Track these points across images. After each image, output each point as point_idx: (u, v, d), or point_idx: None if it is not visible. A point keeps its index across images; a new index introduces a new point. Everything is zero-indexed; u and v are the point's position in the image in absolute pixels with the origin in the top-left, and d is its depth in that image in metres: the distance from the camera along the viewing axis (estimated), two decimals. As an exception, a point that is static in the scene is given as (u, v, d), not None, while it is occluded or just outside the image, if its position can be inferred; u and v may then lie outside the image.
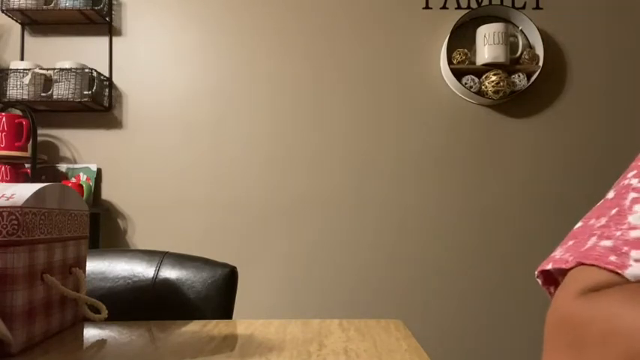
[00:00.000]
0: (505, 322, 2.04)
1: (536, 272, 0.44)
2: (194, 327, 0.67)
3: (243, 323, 0.70)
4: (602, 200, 0.44)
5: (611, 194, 0.43)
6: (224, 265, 0.91)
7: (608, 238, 0.37)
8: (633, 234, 0.36)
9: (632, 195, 0.39)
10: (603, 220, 0.40)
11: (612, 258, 0.36)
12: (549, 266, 0.41)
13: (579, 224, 0.43)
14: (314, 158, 2.08)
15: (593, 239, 0.39)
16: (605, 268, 0.36)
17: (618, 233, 0.37)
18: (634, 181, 0.40)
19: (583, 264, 0.38)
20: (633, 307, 0.31)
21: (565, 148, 2.08)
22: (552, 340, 0.36)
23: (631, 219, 0.38)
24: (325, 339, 0.61)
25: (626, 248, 0.36)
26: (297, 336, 0.62)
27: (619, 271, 0.35)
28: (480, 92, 2.01)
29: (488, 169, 2.08)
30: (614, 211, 0.40)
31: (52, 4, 1.98)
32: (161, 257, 0.91)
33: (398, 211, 2.07)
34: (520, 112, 2.09)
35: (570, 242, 0.41)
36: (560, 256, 0.41)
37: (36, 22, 2.09)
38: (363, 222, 2.07)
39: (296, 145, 2.09)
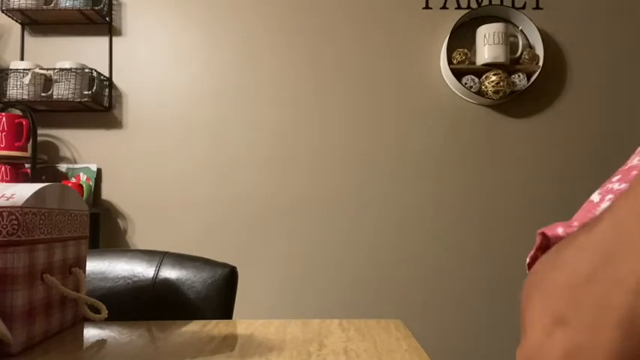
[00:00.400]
0: (505, 322, 2.04)
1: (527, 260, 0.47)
2: (194, 327, 0.67)
3: (243, 323, 0.70)
4: (587, 202, 0.45)
5: (596, 197, 0.44)
6: (224, 265, 0.91)
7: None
8: (590, 216, 0.38)
9: (609, 197, 0.41)
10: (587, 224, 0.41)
11: (559, 230, 0.38)
12: (528, 260, 0.43)
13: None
14: (314, 158, 2.08)
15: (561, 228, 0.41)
16: (550, 235, 0.38)
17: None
18: (615, 185, 0.42)
19: (539, 244, 0.39)
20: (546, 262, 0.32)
21: (565, 148, 2.08)
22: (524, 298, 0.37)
23: (598, 211, 0.39)
24: (325, 339, 0.61)
25: (575, 223, 0.37)
26: (297, 336, 0.62)
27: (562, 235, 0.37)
28: (479, 92, 2.01)
29: (488, 169, 2.08)
30: (590, 216, 0.41)
31: (52, 4, 1.98)
32: (161, 257, 0.92)
33: (398, 210, 2.07)
34: (520, 112, 2.09)
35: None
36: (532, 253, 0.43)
37: (36, 22, 2.09)
38: (363, 222, 2.07)
39: (296, 145, 2.09)
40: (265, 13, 2.11)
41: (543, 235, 0.45)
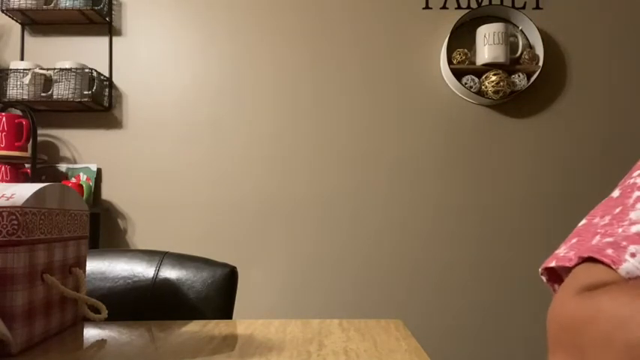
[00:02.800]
0: (505, 322, 2.04)
1: (540, 269, 0.45)
2: (194, 327, 0.67)
3: (243, 323, 0.70)
4: (607, 198, 0.44)
5: (616, 193, 0.43)
6: (224, 265, 0.91)
7: (610, 235, 0.38)
8: (634, 229, 0.36)
9: (637, 193, 0.39)
10: (607, 219, 0.40)
11: (609, 251, 0.36)
12: (553, 264, 0.41)
13: (583, 221, 0.43)
14: (314, 158, 2.08)
15: (597, 238, 0.39)
16: (601, 262, 0.36)
17: (620, 230, 0.37)
18: (639, 180, 0.40)
19: (583, 259, 0.38)
20: (625, 303, 0.31)
21: (565, 148, 2.08)
22: (553, 339, 0.37)
23: (632, 215, 0.38)
24: (325, 339, 0.61)
25: (624, 243, 0.36)
26: (297, 336, 0.62)
27: (614, 267, 0.35)
28: (480, 92, 2.01)
29: (488, 169, 2.08)
30: (617, 210, 0.40)
31: (52, 4, 1.98)
32: (161, 257, 0.91)
33: (398, 210, 2.07)
34: (520, 112, 2.09)
35: (574, 240, 0.41)
36: (563, 254, 0.41)
37: (36, 22, 2.09)
38: (364, 222, 2.07)
39: (296, 145, 2.09)
40: (265, 14, 2.11)
41: (547, 269, 0.44)
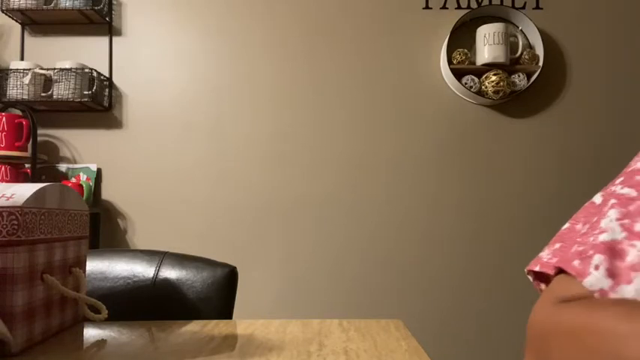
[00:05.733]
0: (505, 322, 2.04)
1: (525, 270, 0.47)
2: (194, 327, 0.67)
3: (243, 323, 0.70)
4: (589, 203, 0.45)
5: (598, 199, 0.44)
6: (224, 265, 0.90)
7: (583, 244, 0.40)
8: (601, 237, 0.38)
9: (612, 201, 0.41)
10: (586, 228, 0.42)
11: (576, 263, 0.38)
12: (537, 268, 0.44)
13: (566, 225, 0.45)
14: (314, 158, 2.08)
15: (574, 247, 0.41)
16: (569, 273, 0.39)
17: (591, 239, 0.39)
18: (618, 188, 0.42)
19: (559, 269, 0.41)
20: (580, 317, 0.35)
21: (565, 148, 2.08)
22: (528, 343, 0.41)
23: (602, 223, 0.39)
24: (325, 339, 0.61)
25: (591, 252, 0.38)
26: (297, 336, 0.62)
27: (579, 280, 0.37)
28: (480, 92, 2.01)
29: (488, 169, 2.08)
30: (595, 219, 0.41)
31: (52, 4, 1.98)
32: (161, 257, 0.91)
33: (398, 210, 2.07)
34: (520, 112, 2.09)
35: (557, 245, 0.44)
36: (546, 260, 0.43)
37: (36, 22, 2.09)
38: (364, 222, 2.07)
39: (296, 145, 2.09)
40: (265, 14, 2.11)
41: (532, 271, 0.46)
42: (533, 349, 0.39)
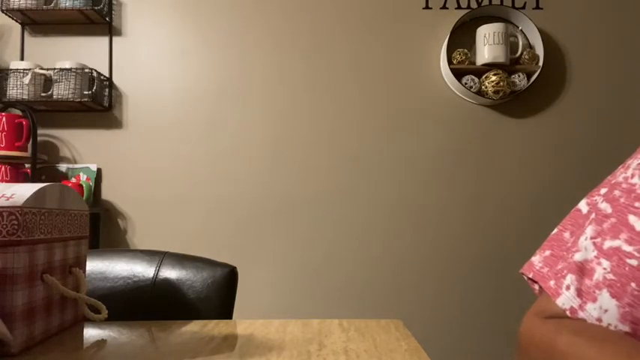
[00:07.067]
0: (505, 322, 2.04)
1: (520, 271, 0.50)
2: (194, 327, 0.67)
3: (243, 323, 0.70)
4: (575, 209, 0.46)
5: (584, 208, 0.45)
6: (224, 265, 0.90)
7: (565, 261, 0.43)
8: (576, 257, 0.41)
9: (592, 216, 0.42)
10: (571, 241, 0.44)
11: (551, 283, 0.43)
12: (530, 275, 0.48)
13: (555, 231, 0.48)
14: (314, 158, 2.08)
15: (560, 263, 0.44)
16: (546, 291, 0.43)
17: (570, 255, 0.42)
18: (599, 200, 0.43)
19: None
20: (546, 338, 0.40)
21: (565, 148, 2.08)
22: (517, 348, 0.45)
23: (580, 240, 0.42)
24: (325, 339, 0.61)
25: (565, 271, 0.42)
26: (297, 336, 0.62)
27: (552, 299, 0.42)
28: (480, 92, 2.01)
29: (488, 169, 2.08)
30: (580, 231, 0.43)
31: (52, 4, 1.98)
32: (161, 257, 0.91)
33: (398, 210, 2.07)
34: (520, 112, 2.09)
35: (547, 252, 0.47)
36: (538, 268, 0.47)
37: (36, 22, 2.09)
38: (364, 222, 2.07)
39: (296, 145, 2.09)
40: (264, 14, 2.11)
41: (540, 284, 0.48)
42: (520, 355, 0.44)
